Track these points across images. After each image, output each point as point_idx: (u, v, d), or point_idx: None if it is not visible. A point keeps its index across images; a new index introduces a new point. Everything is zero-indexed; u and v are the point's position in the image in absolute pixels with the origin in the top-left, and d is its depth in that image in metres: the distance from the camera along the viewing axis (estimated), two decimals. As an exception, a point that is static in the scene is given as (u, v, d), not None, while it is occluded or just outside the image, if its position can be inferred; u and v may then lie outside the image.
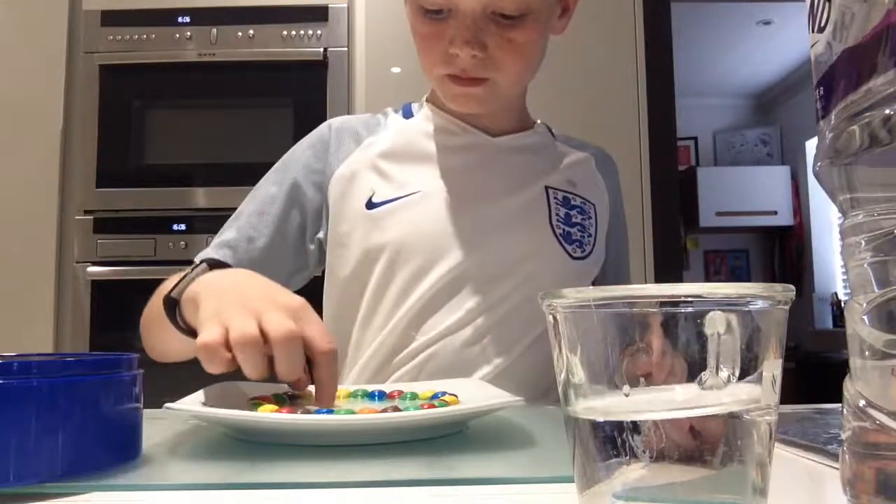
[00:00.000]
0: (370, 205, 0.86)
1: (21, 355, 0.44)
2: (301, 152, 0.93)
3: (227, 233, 0.88)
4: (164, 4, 1.98)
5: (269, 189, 0.90)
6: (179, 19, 1.98)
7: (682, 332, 0.30)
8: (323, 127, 0.96)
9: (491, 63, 0.80)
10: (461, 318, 0.82)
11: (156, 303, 0.76)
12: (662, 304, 0.30)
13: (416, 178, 0.88)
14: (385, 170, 0.89)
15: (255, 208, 0.89)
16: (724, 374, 0.30)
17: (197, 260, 0.76)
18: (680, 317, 0.30)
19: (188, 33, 1.97)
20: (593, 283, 0.93)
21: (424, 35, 0.82)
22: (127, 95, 1.96)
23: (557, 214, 0.89)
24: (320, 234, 0.91)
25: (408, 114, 0.96)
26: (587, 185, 0.94)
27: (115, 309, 1.90)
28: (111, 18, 1.97)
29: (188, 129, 1.97)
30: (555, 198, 0.90)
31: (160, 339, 0.78)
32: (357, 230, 0.86)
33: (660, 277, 1.94)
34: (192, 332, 0.64)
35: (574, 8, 0.89)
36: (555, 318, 0.32)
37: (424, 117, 0.94)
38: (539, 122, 0.99)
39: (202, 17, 1.98)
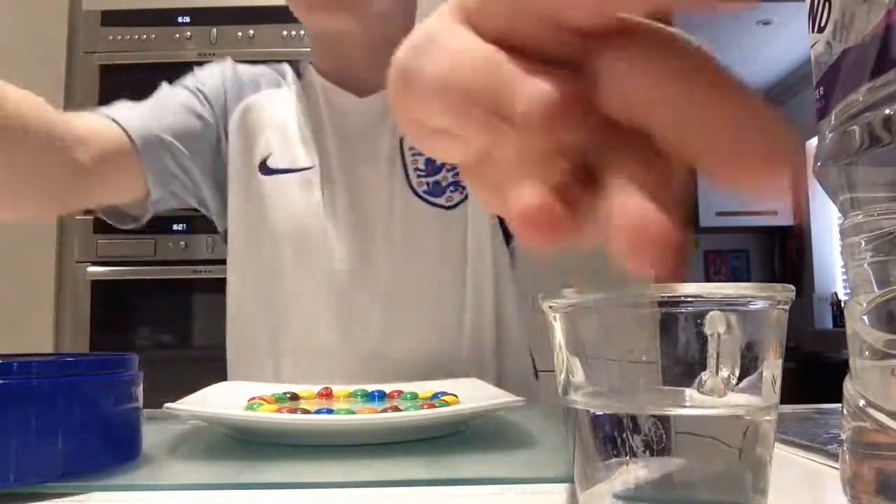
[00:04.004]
0: (265, 168, 0.79)
1: (21, 355, 0.44)
2: (202, 74, 0.84)
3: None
4: (164, 4, 1.98)
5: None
6: (179, 19, 1.98)
7: (682, 333, 0.30)
8: (225, 66, 0.86)
9: None
10: (365, 315, 0.77)
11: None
12: (662, 304, 0.30)
13: (305, 152, 0.80)
14: (281, 133, 0.80)
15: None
16: (723, 374, 0.30)
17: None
18: (679, 317, 0.30)
19: (188, 33, 1.97)
20: None
21: None
22: (127, 95, 1.96)
23: (416, 168, 0.79)
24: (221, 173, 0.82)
25: (298, 74, 0.86)
26: None
27: (115, 309, 1.90)
28: (111, 18, 1.97)
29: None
30: (409, 147, 0.80)
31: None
32: (251, 194, 0.79)
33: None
34: None
35: None
36: (553, 318, 0.33)
37: (308, 82, 0.84)
38: None
39: (202, 17, 1.98)
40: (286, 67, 0.86)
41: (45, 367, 0.39)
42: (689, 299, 0.29)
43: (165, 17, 1.98)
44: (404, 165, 0.79)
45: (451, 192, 0.79)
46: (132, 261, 1.88)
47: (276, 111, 0.81)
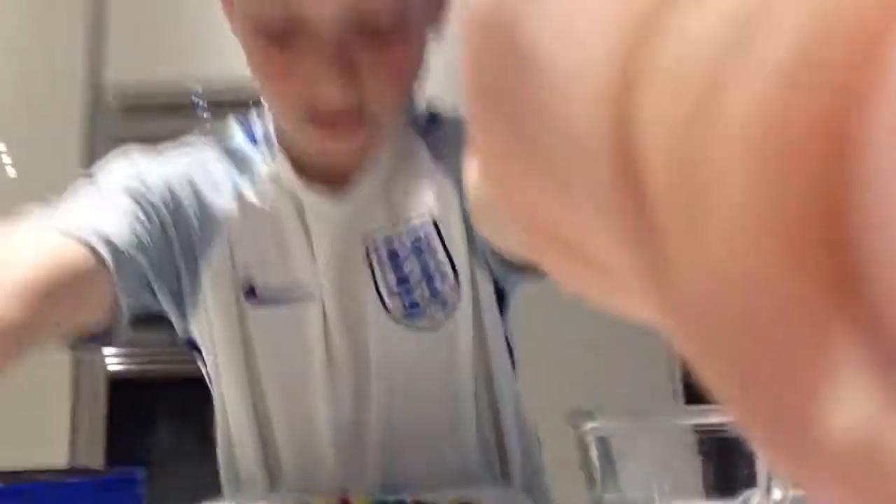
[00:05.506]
0: (251, 295, 0.65)
1: (27, 472, 0.42)
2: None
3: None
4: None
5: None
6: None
7: (723, 457, 0.28)
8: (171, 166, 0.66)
9: (365, 93, 0.58)
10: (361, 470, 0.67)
11: None
12: (706, 431, 0.28)
13: (293, 271, 0.65)
14: (263, 247, 0.65)
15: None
16: (775, 495, 0.28)
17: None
18: (722, 441, 0.28)
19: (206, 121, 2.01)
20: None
21: (270, 72, 0.58)
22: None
23: (388, 286, 0.64)
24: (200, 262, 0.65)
25: (263, 143, 0.69)
26: (418, 196, 0.66)
27: (133, 405, 1.88)
28: (133, 109, 2.03)
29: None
30: (376, 253, 0.65)
31: None
32: (232, 324, 0.65)
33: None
34: None
35: None
36: (584, 440, 0.31)
37: (279, 172, 0.66)
38: (407, 128, 0.69)
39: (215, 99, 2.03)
40: (254, 157, 0.68)
41: (45, 493, 0.37)
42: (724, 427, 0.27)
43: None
44: (375, 282, 0.64)
45: (433, 311, 0.65)
46: (151, 354, 1.87)
47: (254, 219, 0.66)
